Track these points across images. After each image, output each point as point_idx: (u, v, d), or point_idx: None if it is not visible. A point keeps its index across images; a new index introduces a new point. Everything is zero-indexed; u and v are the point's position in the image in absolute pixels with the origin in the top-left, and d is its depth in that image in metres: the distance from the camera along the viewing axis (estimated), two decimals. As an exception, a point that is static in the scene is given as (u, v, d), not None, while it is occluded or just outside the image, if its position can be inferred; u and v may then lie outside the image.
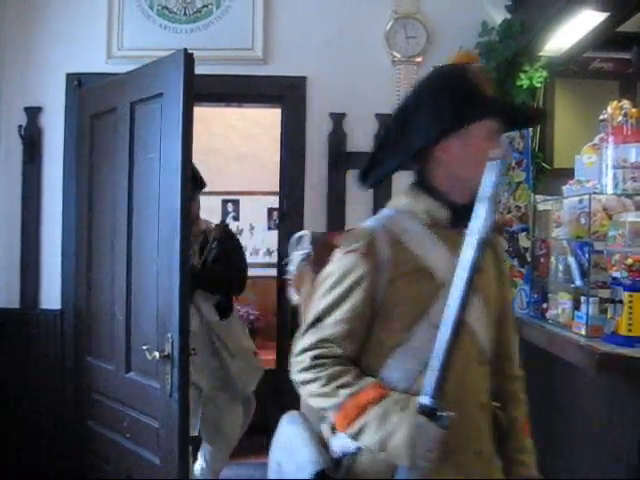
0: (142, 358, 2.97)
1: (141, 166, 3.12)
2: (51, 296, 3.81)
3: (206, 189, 5.75)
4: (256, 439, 5.65)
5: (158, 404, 2.93)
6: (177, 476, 2.83)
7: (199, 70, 3.64)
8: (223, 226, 3.94)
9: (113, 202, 3.28)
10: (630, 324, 2.52)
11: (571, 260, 2.92)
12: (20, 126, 3.79)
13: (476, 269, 1.56)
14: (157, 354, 2.85)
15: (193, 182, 3.42)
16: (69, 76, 3.79)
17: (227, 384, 3.81)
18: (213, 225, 3.92)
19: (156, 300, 2.97)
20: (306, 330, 1.89)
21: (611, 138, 2.95)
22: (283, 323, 3.86)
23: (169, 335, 2.83)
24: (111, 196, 3.30)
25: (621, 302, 2.55)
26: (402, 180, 3.58)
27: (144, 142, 3.11)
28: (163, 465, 2.93)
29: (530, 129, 3.54)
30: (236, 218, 6.07)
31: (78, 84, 3.74)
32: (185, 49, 2.87)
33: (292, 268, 2.04)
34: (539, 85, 3.64)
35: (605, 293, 2.72)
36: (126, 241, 3.17)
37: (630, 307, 2.52)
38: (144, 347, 2.95)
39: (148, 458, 3.03)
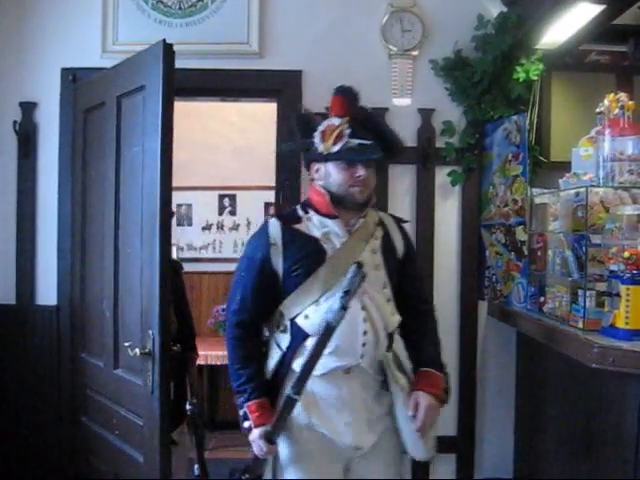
0: (128, 354, 2.94)
1: (127, 160, 3.09)
2: (47, 292, 3.79)
3: (202, 184, 5.78)
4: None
5: (141, 401, 2.92)
6: (159, 475, 2.80)
7: (194, 64, 3.66)
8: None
9: (102, 197, 3.26)
10: (627, 317, 2.53)
11: (568, 253, 2.93)
12: (15, 121, 3.77)
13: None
14: (138, 351, 2.84)
15: None
16: (64, 71, 3.76)
17: None
18: None
19: (140, 296, 2.95)
20: None
21: (608, 131, 2.96)
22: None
23: (150, 332, 2.82)
24: (101, 191, 3.28)
25: (618, 295, 2.55)
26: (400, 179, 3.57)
27: (129, 136, 3.08)
28: (146, 464, 2.91)
29: (527, 122, 3.54)
30: (233, 213, 6.06)
31: (73, 79, 3.72)
32: (164, 40, 2.83)
33: None
34: (535, 78, 3.63)
35: (602, 286, 2.73)
36: (113, 237, 3.15)
37: (627, 300, 2.52)
38: (126, 344, 2.94)
39: (133, 456, 3.01)
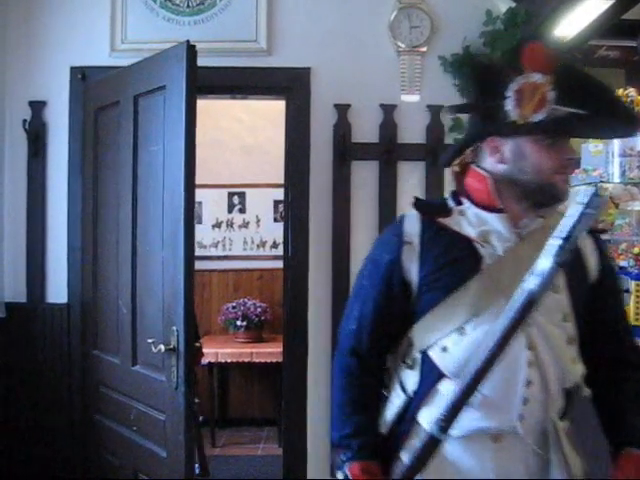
0: (148, 351, 2.98)
1: (144, 159, 3.12)
2: (57, 290, 3.80)
3: (212, 182, 5.79)
4: (264, 431, 5.70)
5: (164, 397, 2.95)
6: (183, 468, 2.84)
7: (203, 62, 3.63)
8: None
9: (117, 195, 3.29)
10: (638, 313, 2.51)
11: (578, 249, 2.91)
12: (25, 120, 3.78)
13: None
14: (162, 347, 2.86)
15: None
16: (73, 70, 3.78)
17: None
18: None
19: (162, 293, 2.97)
20: None
21: (617, 126, 2.93)
22: (289, 315, 3.84)
23: (174, 328, 2.85)
24: (115, 189, 3.31)
25: (628, 291, 2.54)
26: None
27: (147, 135, 3.11)
28: (169, 458, 2.95)
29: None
30: (242, 210, 6.07)
31: (82, 77, 3.73)
32: (187, 41, 2.87)
33: None
34: (545, 74, 3.61)
35: (612, 282, 2.70)
36: (131, 234, 3.18)
37: (637, 296, 2.51)
38: (149, 340, 2.96)
39: (155, 451, 3.04)
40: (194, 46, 2.89)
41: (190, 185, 2.86)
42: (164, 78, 2.99)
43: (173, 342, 2.84)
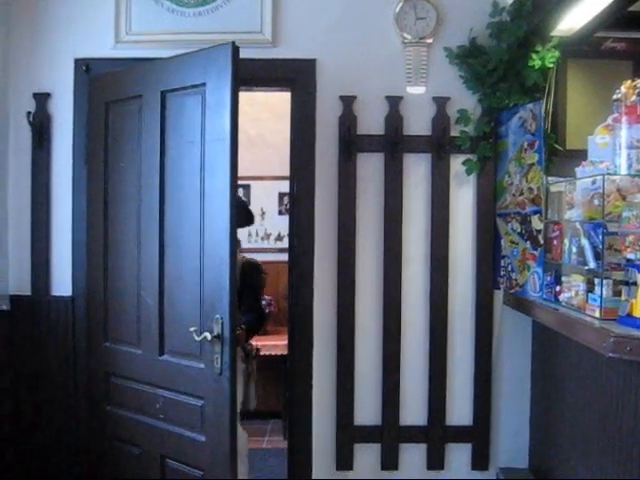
0: (180, 340, 3.17)
1: (174, 153, 3.24)
2: (62, 282, 3.81)
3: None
4: (269, 423, 5.71)
5: (203, 383, 3.10)
6: (228, 451, 3.02)
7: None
8: (242, 262, 3.94)
9: (138, 188, 3.36)
10: (645, 306, 2.50)
11: (584, 242, 2.90)
12: (29, 112, 3.78)
13: None
14: (208, 335, 3.01)
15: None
16: (77, 61, 3.77)
17: None
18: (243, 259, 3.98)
19: (199, 284, 3.11)
20: None
21: (624, 118, 2.92)
22: (294, 309, 3.84)
23: (218, 316, 3.00)
24: (134, 181, 3.37)
25: (635, 284, 2.53)
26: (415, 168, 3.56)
27: (179, 129, 3.22)
28: (209, 442, 3.10)
29: (543, 110, 3.51)
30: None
31: (86, 69, 3.73)
32: (233, 42, 3.03)
33: None
34: (551, 66, 3.59)
35: (619, 275, 2.70)
36: (158, 227, 3.27)
37: (645, 289, 2.50)
38: (192, 329, 3.07)
39: (189, 436, 3.19)
40: (238, 47, 3.05)
41: (234, 177, 3.02)
42: (204, 75, 3.11)
43: (217, 330, 3.00)
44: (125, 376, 3.48)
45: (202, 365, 3.10)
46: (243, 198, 3.86)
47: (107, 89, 3.55)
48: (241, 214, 3.70)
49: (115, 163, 3.50)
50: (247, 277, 3.86)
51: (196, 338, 3.04)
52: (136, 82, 3.40)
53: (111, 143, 3.52)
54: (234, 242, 3.03)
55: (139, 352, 3.39)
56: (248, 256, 4.11)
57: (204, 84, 3.10)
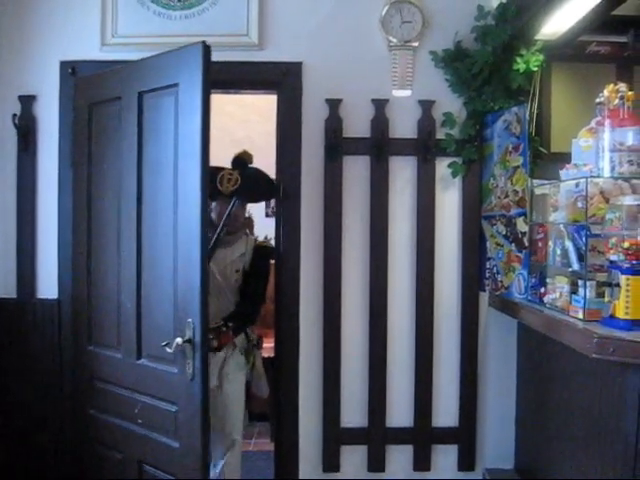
0: (156, 344, 3.06)
1: (152, 155, 3.16)
2: (48, 285, 3.80)
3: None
4: (256, 426, 5.70)
5: (176, 389, 3.01)
6: (199, 457, 2.92)
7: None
8: (255, 246, 3.85)
9: (118, 190, 3.30)
10: (627, 307, 2.53)
11: (568, 244, 2.93)
12: (14, 115, 3.77)
13: None
14: (179, 339, 2.92)
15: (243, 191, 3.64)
16: (63, 64, 3.76)
17: None
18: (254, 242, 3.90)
19: (172, 287, 3.02)
20: None
21: (607, 121, 2.95)
22: (281, 311, 3.85)
23: (190, 320, 2.91)
24: (115, 183, 3.32)
25: (618, 285, 2.55)
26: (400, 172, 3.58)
27: (155, 131, 3.15)
28: (182, 448, 3.01)
29: (527, 113, 3.54)
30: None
31: (72, 72, 3.72)
32: (204, 42, 2.93)
33: None
34: (535, 69, 3.62)
35: (602, 277, 2.73)
36: (136, 230, 3.20)
37: (627, 290, 2.52)
38: (150, 335, 3.04)
39: (164, 442, 3.09)
40: (209, 46, 2.95)
41: (205, 179, 2.92)
42: (177, 76, 3.03)
43: (189, 334, 2.90)
44: (107, 380, 3.41)
45: (175, 370, 3.02)
46: (263, 170, 3.77)
47: (91, 91, 3.52)
48: (258, 186, 3.67)
49: (98, 165, 3.46)
50: (254, 261, 3.78)
51: (168, 349, 2.95)
52: (117, 83, 3.35)
53: (94, 145, 3.48)
54: (205, 243, 2.96)
55: (119, 356, 3.32)
56: (262, 239, 4.01)
57: (177, 84, 3.04)
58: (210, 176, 3.52)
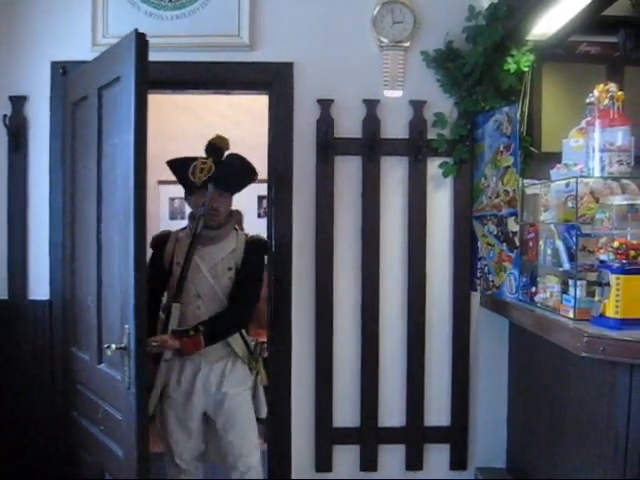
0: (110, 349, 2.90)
1: (107, 153, 3.05)
2: (39, 287, 3.78)
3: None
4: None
5: (121, 396, 2.88)
6: (137, 469, 2.75)
7: (185, 57, 3.67)
8: (246, 239, 3.57)
9: (87, 191, 3.23)
10: (617, 306, 2.54)
11: (559, 243, 2.94)
12: (5, 115, 3.76)
13: None
14: (114, 346, 2.78)
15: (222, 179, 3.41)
16: (54, 64, 3.75)
17: None
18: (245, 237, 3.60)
19: (119, 290, 2.87)
20: None
21: (598, 121, 2.97)
22: (274, 311, 3.84)
23: (126, 326, 2.75)
24: (86, 184, 3.26)
25: (608, 285, 2.57)
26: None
27: (109, 128, 3.03)
28: (125, 459, 2.88)
29: (518, 113, 3.55)
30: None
31: (63, 72, 3.71)
32: (136, 29, 2.76)
33: None
34: (526, 69, 3.63)
35: (592, 276, 2.74)
36: (95, 230, 3.10)
37: (617, 289, 2.54)
38: (108, 338, 2.92)
39: (114, 451, 2.98)
40: (144, 34, 2.76)
41: (140, 178, 2.75)
42: (119, 69, 2.88)
43: (125, 341, 2.75)
44: (82, 383, 3.34)
45: (119, 377, 2.85)
46: (241, 155, 3.55)
47: (73, 90, 3.49)
48: (234, 173, 3.45)
49: (77, 165, 3.41)
50: (246, 257, 3.48)
51: (109, 353, 2.82)
52: (86, 82, 3.30)
53: (77, 144, 3.43)
54: (141, 241, 2.74)
55: (88, 359, 3.24)
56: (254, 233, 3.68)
57: (118, 78, 2.88)
58: (184, 167, 3.42)
